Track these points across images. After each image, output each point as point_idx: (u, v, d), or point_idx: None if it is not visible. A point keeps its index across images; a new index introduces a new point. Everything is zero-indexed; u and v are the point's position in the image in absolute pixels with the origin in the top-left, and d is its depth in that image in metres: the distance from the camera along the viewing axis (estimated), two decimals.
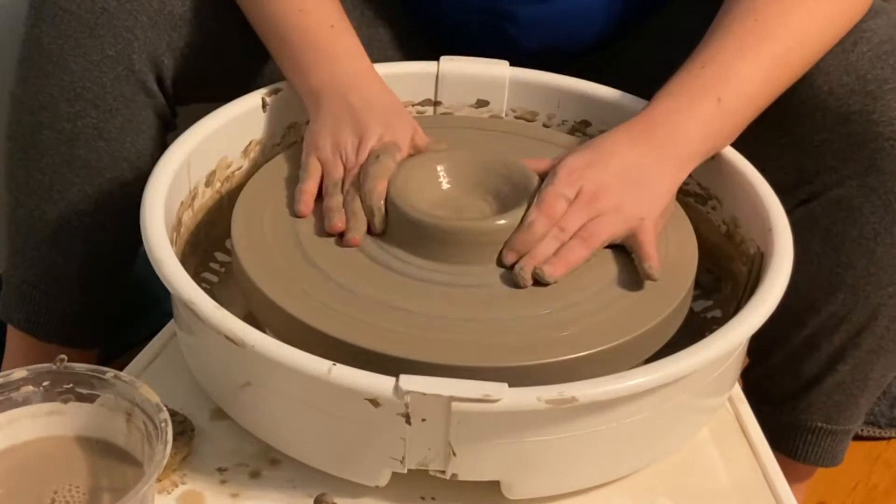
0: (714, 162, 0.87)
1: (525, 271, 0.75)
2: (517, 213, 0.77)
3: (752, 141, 0.86)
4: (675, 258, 0.79)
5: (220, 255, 0.89)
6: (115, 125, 0.91)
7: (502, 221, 0.77)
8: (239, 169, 0.90)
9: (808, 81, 0.85)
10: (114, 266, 0.99)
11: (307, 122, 0.91)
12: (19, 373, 0.67)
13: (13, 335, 1.00)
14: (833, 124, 0.84)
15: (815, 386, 0.93)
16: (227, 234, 0.81)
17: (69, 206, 0.93)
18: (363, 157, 0.80)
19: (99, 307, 1.00)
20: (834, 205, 0.85)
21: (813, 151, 0.85)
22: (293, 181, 0.83)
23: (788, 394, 0.93)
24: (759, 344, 0.82)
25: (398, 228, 0.77)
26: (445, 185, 0.82)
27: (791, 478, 0.77)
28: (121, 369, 0.71)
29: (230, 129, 0.87)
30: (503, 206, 0.79)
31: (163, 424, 0.64)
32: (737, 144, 0.86)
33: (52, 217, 0.93)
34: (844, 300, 0.88)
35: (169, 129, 0.95)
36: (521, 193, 0.79)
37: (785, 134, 0.87)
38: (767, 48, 0.82)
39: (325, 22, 0.86)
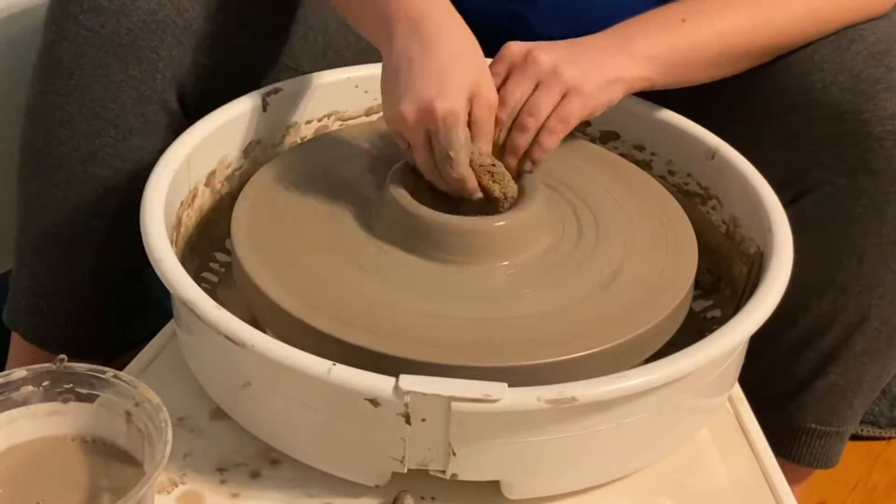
0: (714, 162, 0.87)
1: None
2: (517, 213, 0.77)
3: (744, 135, 0.86)
4: (675, 258, 0.79)
5: (220, 255, 0.89)
6: (134, 144, 0.90)
7: (502, 222, 0.77)
8: (239, 169, 0.90)
9: (802, 77, 0.85)
10: (122, 280, 0.98)
11: (307, 122, 0.91)
12: (19, 373, 0.67)
13: (17, 343, 1.00)
14: (825, 122, 0.84)
15: (808, 387, 0.93)
16: (227, 234, 0.81)
17: (82, 222, 0.92)
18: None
19: (106, 320, 1.00)
20: (824, 203, 0.85)
21: (804, 148, 0.85)
22: (294, 181, 0.83)
23: (781, 394, 0.93)
24: (752, 344, 0.83)
25: (399, 227, 0.77)
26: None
27: (787, 479, 0.77)
28: (121, 369, 0.71)
29: (230, 129, 0.87)
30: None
31: (163, 424, 0.64)
32: (729, 140, 0.86)
33: (65, 232, 0.93)
34: (835, 300, 0.87)
35: None
36: (521, 192, 0.79)
37: (777, 129, 0.87)
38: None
39: None
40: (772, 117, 0.87)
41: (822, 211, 0.85)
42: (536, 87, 0.79)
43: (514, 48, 0.80)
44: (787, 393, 0.94)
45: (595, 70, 0.79)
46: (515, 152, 0.79)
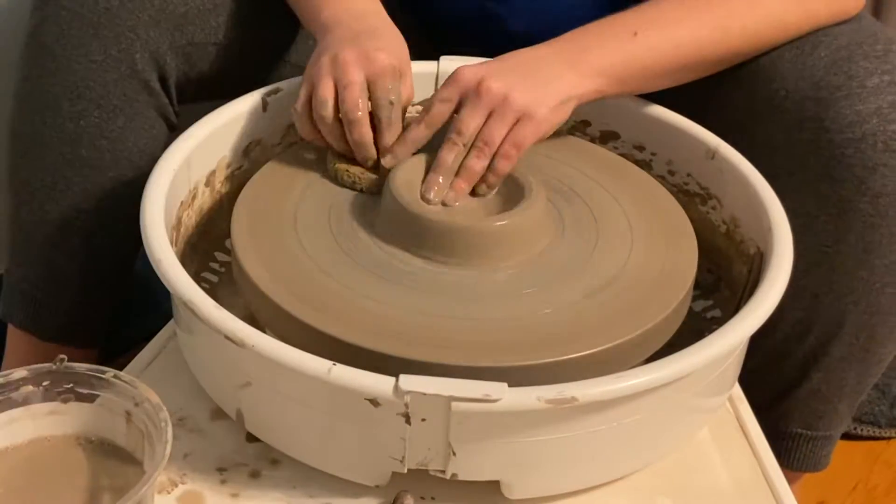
0: (714, 162, 0.87)
1: (429, 192, 0.78)
2: (517, 213, 0.77)
3: None
4: (675, 258, 0.79)
5: (220, 255, 0.89)
6: (118, 125, 0.91)
7: (502, 222, 0.77)
8: (239, 169, 0.90)
9: (766, 85, 0.85)
10: (114, 265, 0.99)
11: None
12: (19, 373, 0.67)
13: (13, 334, 1.00)
14: (788, 129, 0.84)
15: (792, 393, 0.93)
16: (227, 234, 0.81)
17: (71, 206, 0.93)
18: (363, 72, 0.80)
19: (99, 306, 1.00)
20: (791, 211, 0.83)
21: (770, 155, 0.85)
22: (294, 181, 0.83)
23: (766, 400, 0.93)
24: None
25: (399, 227, 0.77)
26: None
27: None
28: (121, 369, 0.71)
29: (230, 129, 0.87)
30: (503, 206, 0.79)
31: (163, 424, 0.64)
32: None
33: (54, 216, 0.93)
34: (808, 307, 0.87)
35: (171, 129, 0.96)
36: (521, 192, 0.79)
37: (745, 136, 0.87)
38: (703, 7, 0.83)
39: None
40: (740, 125, 0.87)
41: (792, 220, 0.84)
42: (490, 116, 0.79)
43: (467, 74, 0.80)
44: (773, 398, 0.93)
45: (546, 94, 0.80)
46: (470, 177, 0.80)
